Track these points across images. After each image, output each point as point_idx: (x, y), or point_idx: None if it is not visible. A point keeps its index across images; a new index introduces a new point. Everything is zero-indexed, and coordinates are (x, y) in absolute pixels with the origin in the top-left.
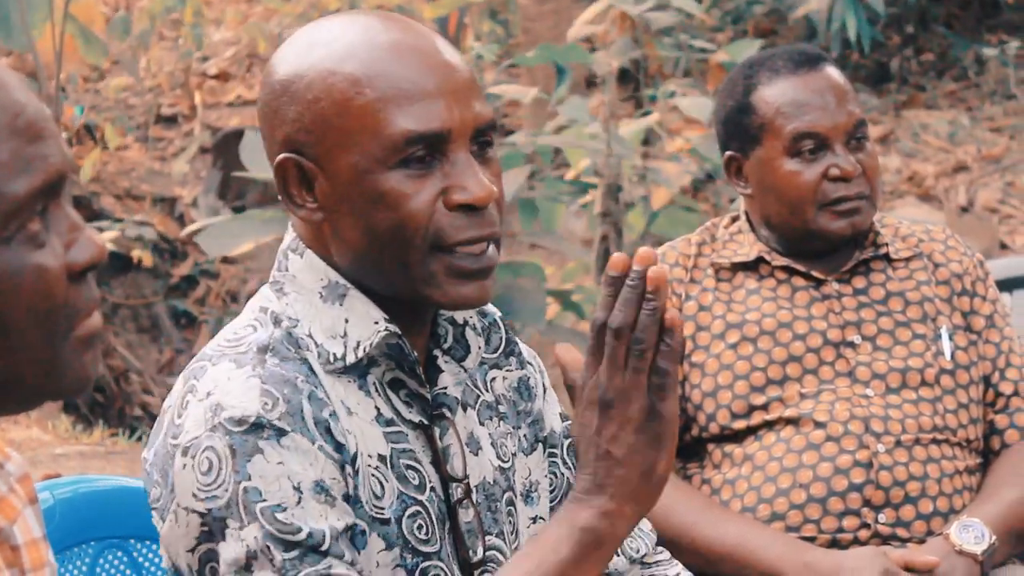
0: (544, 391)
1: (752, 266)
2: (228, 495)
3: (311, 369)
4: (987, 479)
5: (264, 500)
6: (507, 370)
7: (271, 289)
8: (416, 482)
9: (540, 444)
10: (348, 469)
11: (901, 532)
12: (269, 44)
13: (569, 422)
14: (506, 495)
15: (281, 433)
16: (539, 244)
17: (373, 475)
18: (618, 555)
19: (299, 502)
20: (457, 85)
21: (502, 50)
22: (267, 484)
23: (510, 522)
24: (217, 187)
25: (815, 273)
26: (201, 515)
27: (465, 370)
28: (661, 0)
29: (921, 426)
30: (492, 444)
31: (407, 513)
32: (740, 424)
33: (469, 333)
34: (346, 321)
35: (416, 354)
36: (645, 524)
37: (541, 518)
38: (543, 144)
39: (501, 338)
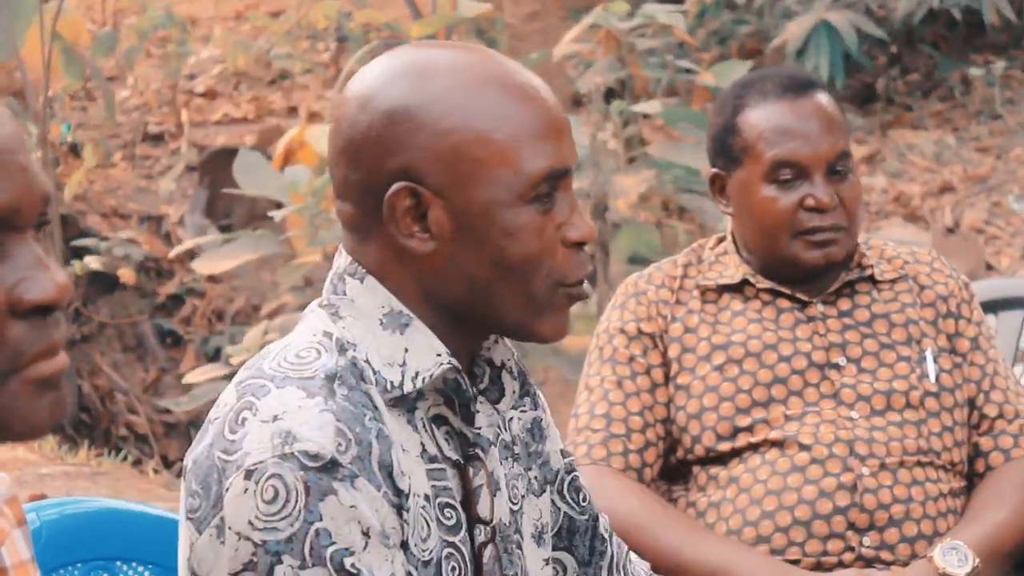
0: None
1: (737, 288)
2: (293, 531)
3: (373, 403)
4: (971, 502)
5: (334, 543)
6: (522, 411)
7: (326, 312)
8: (451, 522)
9: (549, 486)
10: (404, 515)
11: (885, 555)
12: (256, 63)
13: (571, 459)
14: (515, 537)
15: (354, 476)
16: None
17: (421, 515)
18: None
19: (366, 547)
20: (566, 124)
21: None
22: (338, 526)
23: (520, 565)
24: (204, 205)
25: (800, 295)
26: (255, 544)
27: (498, 412)
28: (647, 18)
29: (906, 449)
30: (507, 485)
31: (444, 554)
32: (725, 446)
33: (505, 376)
34: (405, 351)
35: (473, 390)
36: (633, 556)
37: (551, 560)
38: None
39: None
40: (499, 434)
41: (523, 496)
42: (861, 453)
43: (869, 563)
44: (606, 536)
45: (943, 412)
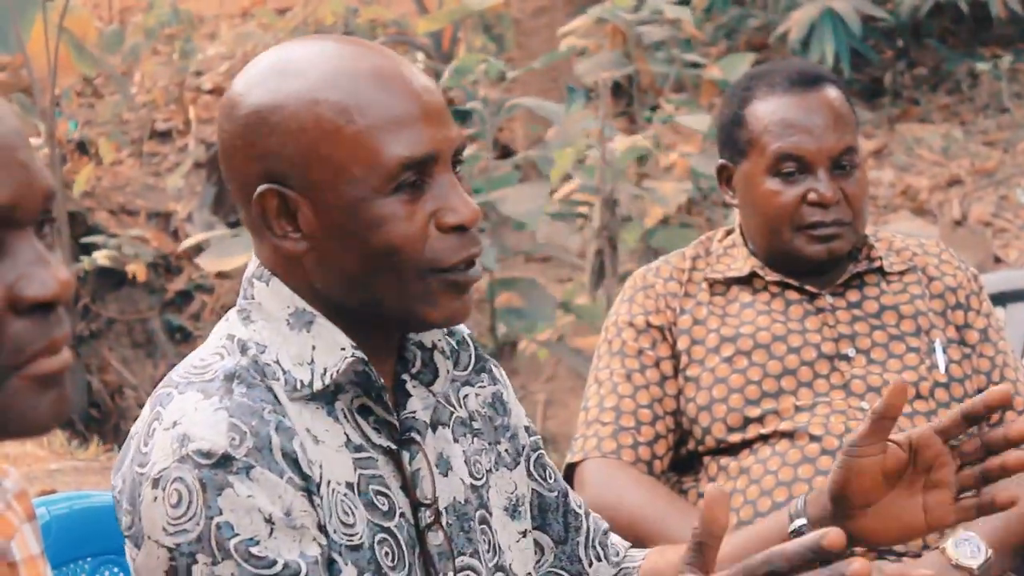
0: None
1: (746, 280)
2: (199, 529)
3: (276, 398)
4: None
5: (237, 535)
6: (480, 386)
7: (238, 317)
8: (385, 508)
9: (521, 459)
10: (316, 500)
11: (897, 546)
12: None
13: (536, 437)
14: (479, 513)
15: (249, 468)
16: (533, 259)
17: (341, 502)
18: (604, 562)
19: (271, 534)
20: (437, 109)
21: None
22: (239, 518)
23: (485, 540)
24: (212, 202)
25: (809, 287)
26: (169, 549)
27: (433, 394)
28: (654, 11)
29: None
30: (465, 462)
31: (376, 539)
32: (735, 437)
33: (437, 356)
34: (313, 348)
35: (383, 380)
36: (614, 536)
37: (527, 532)
38: (534, 156)
39: (471, 355)
40: (452, 412)
41: (489, 471)
42: None
43: (880, 554)
44: (579, 511)
45: (953, 403)
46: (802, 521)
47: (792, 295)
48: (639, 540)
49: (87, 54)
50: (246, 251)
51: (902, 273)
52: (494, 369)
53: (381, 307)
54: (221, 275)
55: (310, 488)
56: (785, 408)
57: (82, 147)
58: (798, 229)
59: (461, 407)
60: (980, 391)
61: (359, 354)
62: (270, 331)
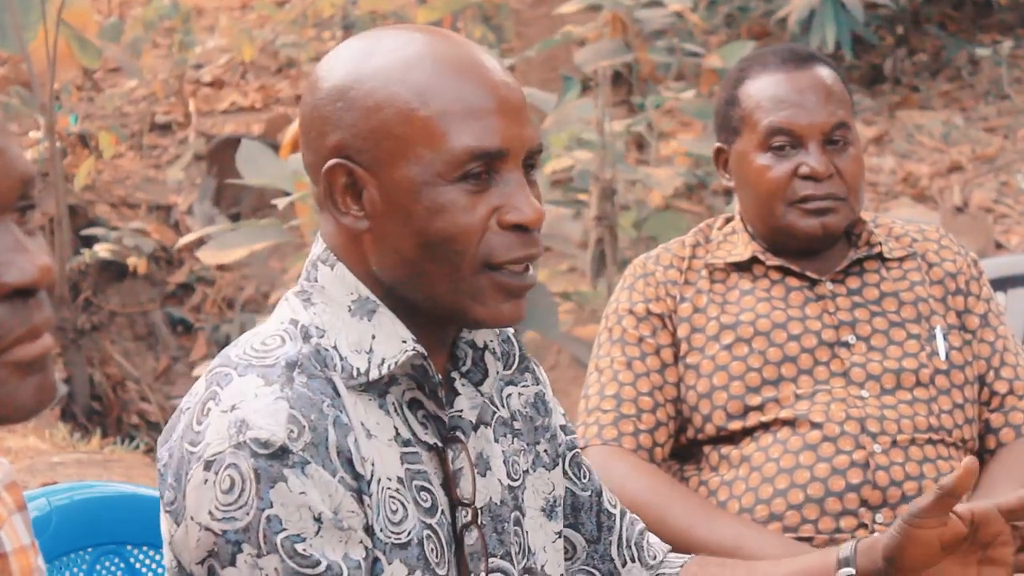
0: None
1: (746, 267)
2: (248, 519)
3: (335, 389)
4: (983, 479)
5: (285, 530)
6: (523, 386)
7: (299, 299)
8: (428, 504)
9: (560, 460)
10: (366, 500)
11: None
12: (262, 52)
13: (573, 436)
14: (513, 514)
15: (305, 463)
16: None
17: (393, 498)
18: (638, 564)
19: (318, 532)
20: (514, 106)
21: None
22: (289, 513)
23: (517, 542)
24: (212, 194)
25: (809, 273)
26: (215, 534)
27: (482, 394)
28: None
29: (917, 426)
30: (504, 462)
31: (424, 535)
32: (736, 425)
33: (488, 357)
34: (373, 337)
35: (439, 376)
36: (653, 537)
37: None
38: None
39: (515, 354)
40: (495, 412)
41: (526, 471)
42: (872, 431)
43: None
44: (613, 511)
45: (953, 389)
46: (850, 571)
47: (792, 282)
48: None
49: (89, 45)
50: (246, 244)
51: (902, 259)
52: (536, 369)
53: (434, 298)
54: (222, 267)
55: (361, 488)
56: (785, 396)
57: (82, 140)
58: (791, 204)
59: (503, 407)
60: (980, 376)
61: (419, 348)
62: (331, 315)
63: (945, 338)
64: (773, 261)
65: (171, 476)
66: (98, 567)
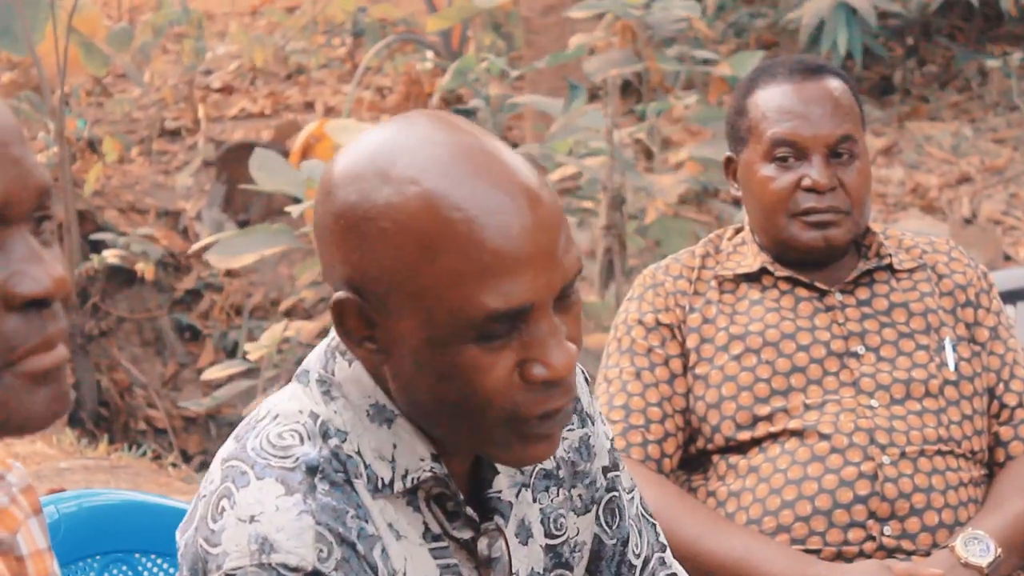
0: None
1: (755, 277)
2: None
3: (358, 497)
4: (992, 491)
5: None
6: (568, 429)
7: (319, 390)
8: None
9: (595, 506)
10: None
11: (906, 544)
12: (272, 58)
13: (614, 474)
14: (554, 573)
15: None
16: None
17: None
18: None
19: None
20: (545, 251)
21: (506, 64)
22: None
23: None
24: (221, 200)
25: (818, 284)
26: None
27: (522, 473)
28: (664, 8)
29: (926, 437)
30: (542, 522)
31: None
32: (744, 435)
33: None
34: (394, 446)
35: (462, 496)
36: (668, 555)
37: None
38: (536, 152)
39: None
40: (536, 464)
41: (563, 516)
42: (881, 442)
43: (890, 552)
44: (635, 562)
45: (962, 401)
46: None
47: (802, 292)
48: None
49: (97, 52)
50: (257, 248)
51: (912, 271)
52: (586, 408)
53: (454, 441)
54: (230, 274)
55: None
56: (794, 406)
57: (92, 146)
58: (793, 216)
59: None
60: (990, 389)
61: (437, 469)
62: (351, 416)
63: (954, 349)
64: (782, 272)
65: (187, 570)
66: (106, 575)
